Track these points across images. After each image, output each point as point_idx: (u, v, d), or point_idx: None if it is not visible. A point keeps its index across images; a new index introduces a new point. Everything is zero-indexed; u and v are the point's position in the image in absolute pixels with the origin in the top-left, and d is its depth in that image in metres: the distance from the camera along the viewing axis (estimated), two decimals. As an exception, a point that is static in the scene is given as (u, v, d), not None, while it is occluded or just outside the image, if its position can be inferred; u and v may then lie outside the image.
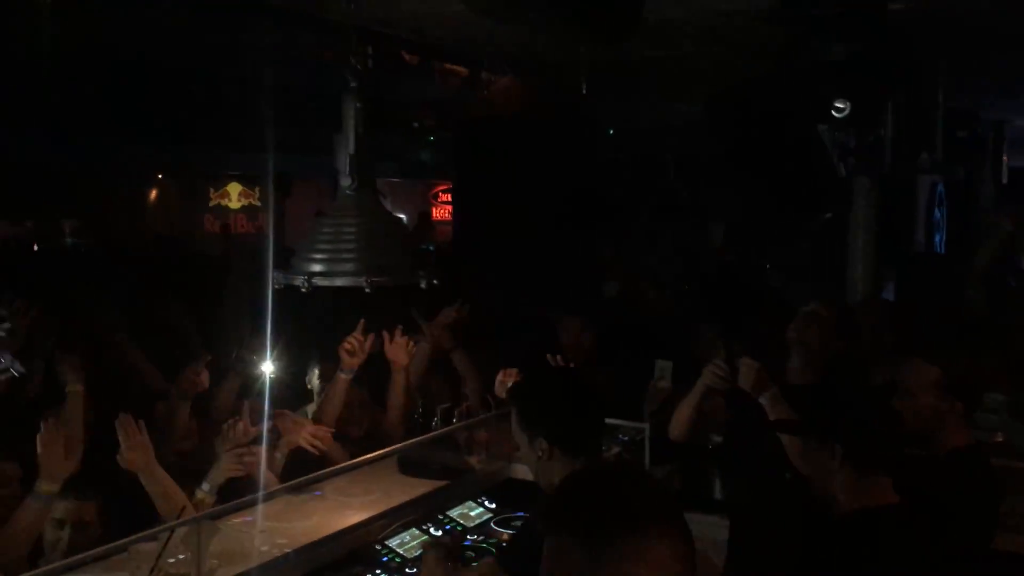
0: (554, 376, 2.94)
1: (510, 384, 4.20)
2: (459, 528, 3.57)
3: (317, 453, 3.85)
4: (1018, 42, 4.30)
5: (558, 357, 4.40)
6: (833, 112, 4.13)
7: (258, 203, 15.31)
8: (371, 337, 4.32)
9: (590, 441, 2.54)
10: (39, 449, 3.04)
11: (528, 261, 3.41)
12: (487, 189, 3.43)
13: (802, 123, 4.47)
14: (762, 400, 3.33)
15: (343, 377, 4.26)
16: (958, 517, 2.67)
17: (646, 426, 3.98)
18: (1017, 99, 6.21)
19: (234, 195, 15.26)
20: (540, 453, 2.49)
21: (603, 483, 1.61)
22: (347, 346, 4.23)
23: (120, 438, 3.19)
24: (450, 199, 15.37)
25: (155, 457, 3.27)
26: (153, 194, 14.44)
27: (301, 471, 3.95)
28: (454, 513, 3.65)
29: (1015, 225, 3.99)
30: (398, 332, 4.45)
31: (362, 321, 4.28)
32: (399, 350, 4.41)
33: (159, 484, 3.24)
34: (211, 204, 15.29)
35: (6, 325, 3.55)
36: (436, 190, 15.73)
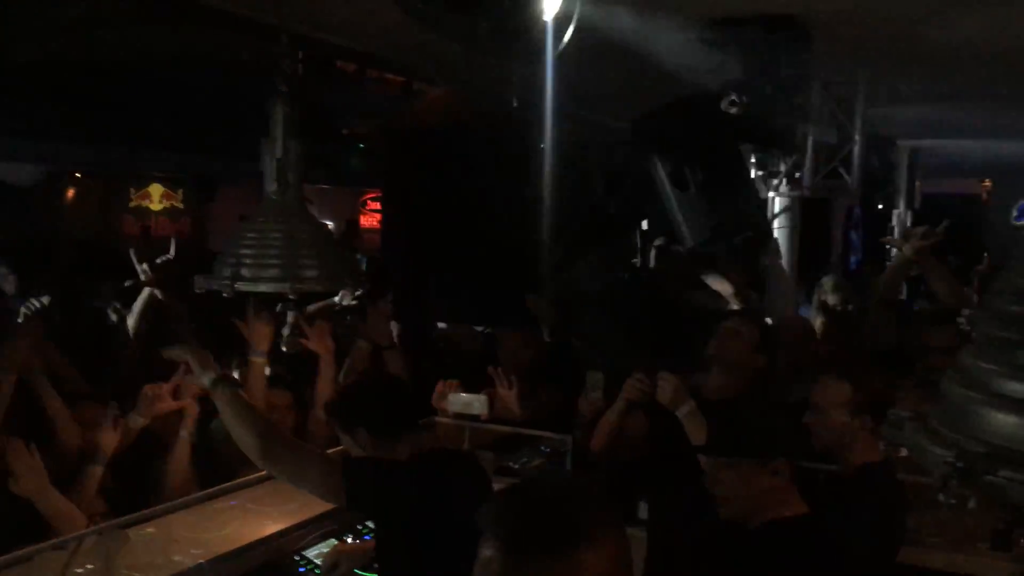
0: (361, 380, 3.16)
1: (448, 396, 4.24)
2: (377, 537, 3.55)
3: None
4: (929, 63, 4.45)
5: (499, 369, 4.42)
6: (725, 107, 4.22)
7: (181, 205, 14.99)
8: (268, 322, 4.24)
9: (403, 426, 2.81)
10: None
11: (461, 273, 3.41)
12: (417, 199, 3.42)
13: (726, 143, 4.58)
14: (679, 414, 3.40)
15: (255, 360, 4.12)
16: (866, 530, 2.76)
17: (569, 438, 4.01)
18: (930, 126, 6.46)
19: (156, 196, 14.91)
20: (364, 444, 2.75)
21: (544, 495, 1.61)
22: (243, 324, 4.10)
23: (12, 464, 3.08)
24: (379, 207, 15.31)
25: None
26: (71, 193, 14.02)
27: (215, 477, 3.89)
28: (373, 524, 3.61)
29: (916, 251, 4.09)
30: (319, 323, 4.39)
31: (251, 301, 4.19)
32: (321, 337, 4.34)
33: (55, 506, 3.14)
34: (131, 205, 14.91)
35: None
36: (365, 198, 15.61)
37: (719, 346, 3.74)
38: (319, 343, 4.32)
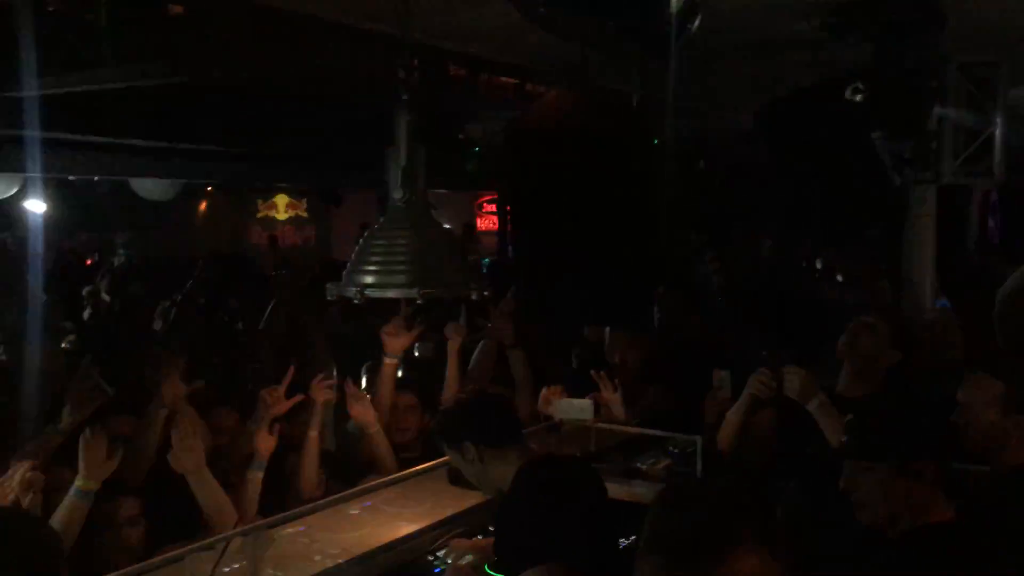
0: (459, 397, 3.14)
1: (553, 402, 4.25)
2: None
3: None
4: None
5: (602, 373, 4.40)
6: (850, 95, 4.06)
7: (305, 215, 15.50)
8: (408, 327, 4.37)
9: (508, 432, 2.85)
10: (81, 450, 3.11)
11: (581, 274, 3.40)
12: (538, 201, 3.42)
13: (855, 132, 4.41)
14: (810, 408, 3.31)
15: (388, 362, 4.30)
16: (1019, 534, 2.60)
17: (698, 438, 3.93)
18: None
19: (281, 206, 15.46)
20: (472, 458, 2.80)
21: (698, 501, 1.59)
22: (389, 329, 4.27)
23: (173, 438, 3.25)
24: (495, 209, 15.44)
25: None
26: (202, 206, 14.68)
27: (347, 477, 4.00)
28: (505, 525, 3.63)
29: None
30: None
31: (404, 303, 4.32)
32: (452, 331, 4.48)
33: (209, 489, 3.30)
34: (258, 215, 15.50)
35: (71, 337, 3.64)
36: (480, 200, 15.78)
37: (851, 342, 3.62)
38: (451, 332, 4.43)
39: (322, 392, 3.99)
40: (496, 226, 14.06)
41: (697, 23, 2.75)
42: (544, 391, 4.43)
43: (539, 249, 3.38)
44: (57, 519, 2.95)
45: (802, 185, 4.61)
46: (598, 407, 4.21)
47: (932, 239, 4.58)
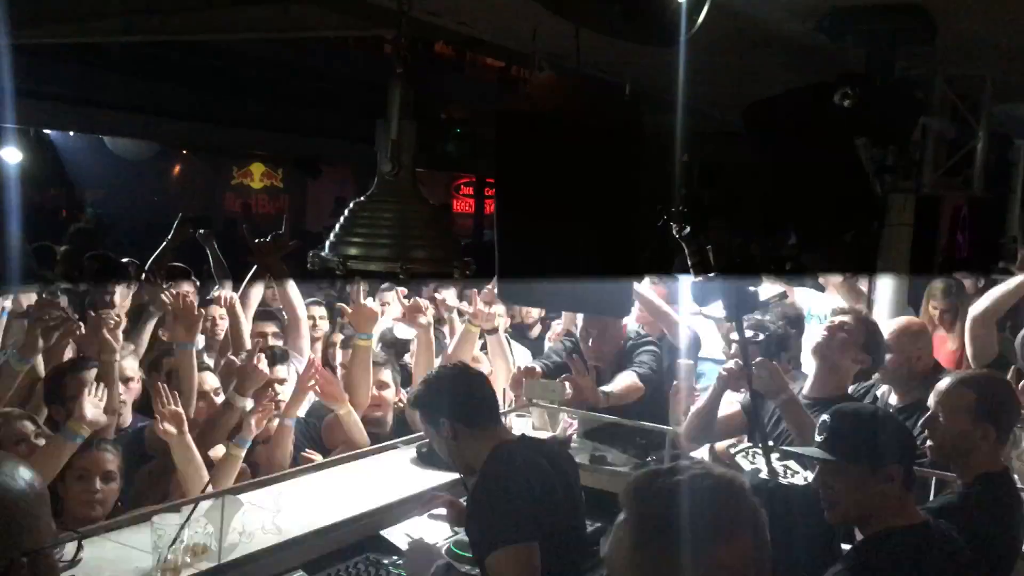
0: (440, 371, 3.12)
1: (524, 383, 4.25)
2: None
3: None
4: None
5: (575, 356, 4.41)
6: (839, 99, 4.10)
7: (280, 184, 15.37)
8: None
9: (486, 412, 2.88)
10: (83, 395, 3.12)
11: (564, 260, 3.39)
12: (525, 184, 3.41)
13: (839, 137, 4.45)
14: (776, 402, 3.34)
15: (360, 343, 4.30)
16: (983, 540, 2.65)
17: (668, 429, 3.97)
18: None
19: (257, 175, 15.32)
20: (448, 435, 2.81)
21: (685, 486, 1.60)
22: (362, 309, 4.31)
23: (155, 407, 3.24)
24: (471, 192, 15.41)
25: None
26: (176, 169, 14.51)
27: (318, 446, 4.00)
28: (470, 506, 3.64)
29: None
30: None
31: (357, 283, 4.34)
32: (417, 315, 4.50)
33: (188, 453, 3.29)
34: (233, 183, 15.36)
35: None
36: (458, 182, 15.74)
37: (824, 343, 3.65)
38: (416, 324, 4.42)
39: (303, 379, 3.95)
40: (472, 208, 14.04)
41: (704, 14, 2.76)
42: (515, 371, 4.44)
43: (523, 233, 3.36)
44: (38, 458, 2.90)
45: (785, 186, 4.62)
46: (568, 390, 4.21)
47: (908, 247, 4.63)
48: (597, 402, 4.24)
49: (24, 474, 1.57)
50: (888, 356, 3.84)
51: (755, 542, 1.50)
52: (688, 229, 6.22)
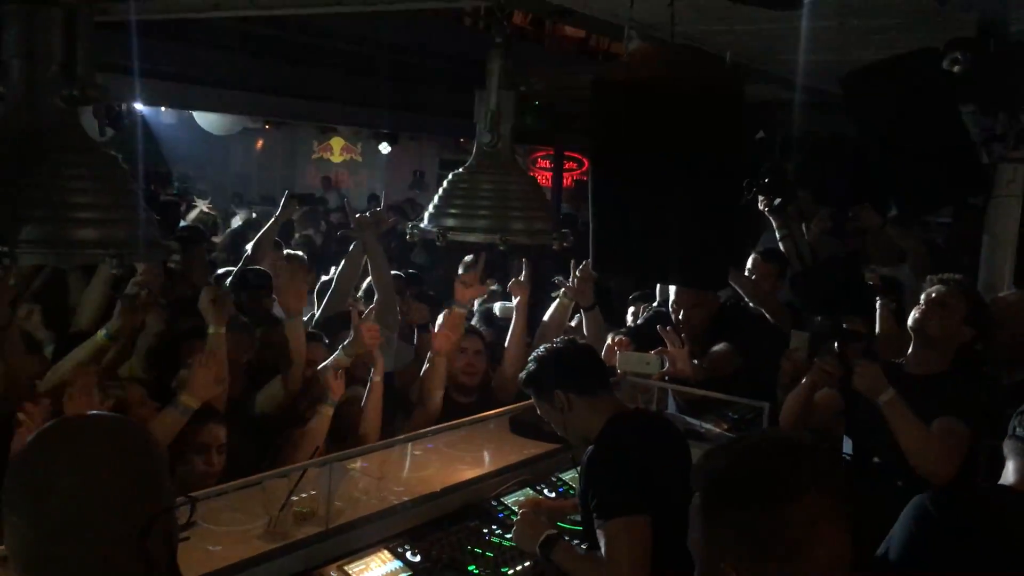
0: (548, 346, 3.06)
1: (619, 355, 4.22)
2: (572, 492, 3.58)
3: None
4: None
5: (668, 328, 4.35)
6: (948, 65, 3.94)
7: (359, 158, 15.53)
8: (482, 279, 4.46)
9: (596, 377, 2.88)
10: (194, 367, 3.20)
11: (660, 231, 3.34)
12: (621, 153, 3.36)
13: (944, 104, 4.29)
14: (879, 402, 3.21)
15: (457, 311, 4.32)
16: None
17: (766, 404, 3.89)
18: None
19: (336, 149, 15.51)
20: (562, 406, 2.81)
21: (763, 452, 1.62)
22: (464, 278, 4.30)
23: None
24: (548, 165, 15.35)
25: None
26: (259, 144, 14.76)
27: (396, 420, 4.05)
28: (566, 476, 3.65)
29: None
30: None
31: (482, 254, 4.34)
32: (515, 287, 4.54)
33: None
34: (313, 157, 15.57)
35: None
36: (535, 155, 15.69)
37: (921, 317, 3.50)
38: (518, 288, 4.44)
39: (369, 335, 3.97)
40: (549, 182, 13.99)
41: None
42: (609, 342, 4.41)
43: (618, 202, 3.32)
44: (154, 427, 2.99)
45: (884, 156, 4.48)
46: (664, 362, 4.17)
47: (1016, 219, 4.45)
48: (692, 374, 4.18)
49: (153, 438, 1.64)
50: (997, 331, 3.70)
51: (821, 497, 1.53)
52: (777, 201, 6.08)
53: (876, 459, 3.43)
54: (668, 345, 4.25)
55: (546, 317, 4.70)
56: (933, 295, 3.48)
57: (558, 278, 4.67)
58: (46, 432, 1.55)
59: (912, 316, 3.55)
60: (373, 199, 12.40)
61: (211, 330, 3.49)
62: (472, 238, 3.26)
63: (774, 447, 1.64)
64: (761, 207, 5.94)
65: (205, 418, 3.19)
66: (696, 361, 4.28)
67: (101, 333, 3.70)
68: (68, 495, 1.44)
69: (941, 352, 3.47)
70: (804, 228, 6.36)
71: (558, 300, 4.65)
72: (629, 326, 5.20)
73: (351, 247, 4.86)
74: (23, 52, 2.23)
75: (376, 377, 3.91)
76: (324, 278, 5.32)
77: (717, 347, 4.42)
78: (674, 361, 4.19)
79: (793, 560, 1.51)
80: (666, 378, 4.24)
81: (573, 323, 4.88)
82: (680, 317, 4.51)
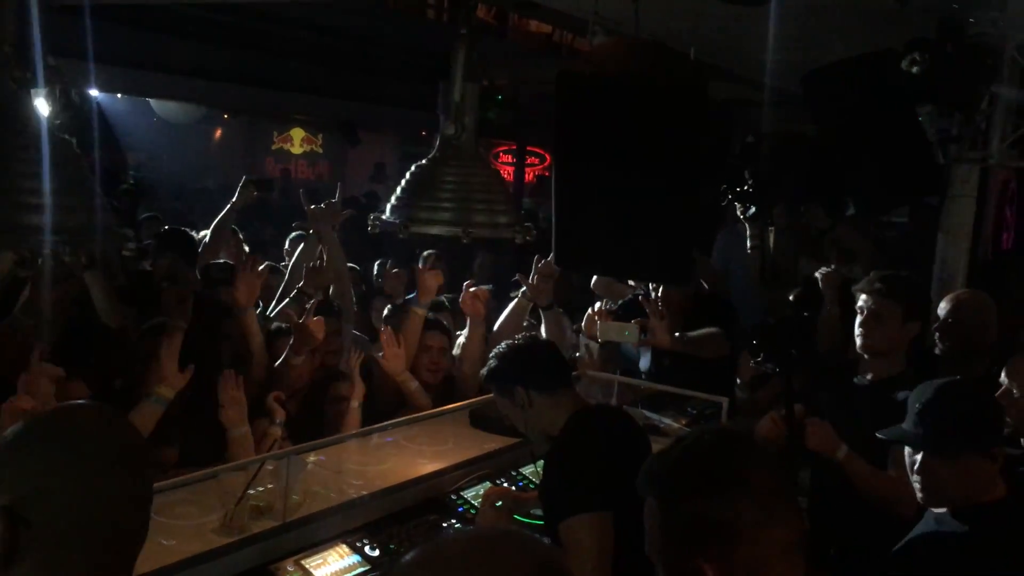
0: (509, 344, 3.02)
1: (599, 325, 4.21)
2: (531, 487, 3.57)
3: None
4: None
5: (651, 298, 4.32)
6: (907, 65, 3.98)
7: (320, 150, 15.40)
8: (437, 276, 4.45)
9: (557, 374, 2.86)
10: (162, 358, 3.23)
11: (624, 225, 3.34)
12: (586, 147, 3.35)
13: (901, 104, 4.34)
14: (836, 457, 3.17)
15: (416, 311, 4.32)
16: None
17: (724, 400, 3.92)
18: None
19: (297, 140, 15.36)
20: (523, 402, 2.79)
21: (692, 445, 1.69)
22: (428, 279, 4.35)
23: (220, 395, 3.29)
24: (511, 160, 15.34)
25: None
26: (218, 133, 14.56)
27: (373, 415, 4.01)
28: (526, 471, 3.64)
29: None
30: (475, 286, 4.48)
31: (431, 254, 4.33)
32: (477, 303, 4.42)
33: (242, 436, 3.33)
34: (273, 148, 15.40)
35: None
36: (497, 150, 15.66)
37: (864, 338, 3.37)
38: (476, 305, 4.40)
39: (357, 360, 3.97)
40: (512, 177, 13.98)
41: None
42: (590, 311, 4.40)
43: (583, 196, 3.31)
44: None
45: (841, 155, 4.53)
46: (643, 332, 4.17)
47: (970, 220, 4.53)
48: (669, 344, 4.17)
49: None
50: (949, 330, 3.75)
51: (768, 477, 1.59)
52: (753, 210, 6.05)
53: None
54: (649, 315, 4.24)
55: (502, 318, 4.67)
56: (865, 310, 3.38)
57: (518, 276, 4.64)
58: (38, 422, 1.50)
59: (856, 338, 3.42)
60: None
61: (176, 324, 3.45)
62: (434, 230, 3.23)
63: (715, 438, 1.69)
64: (738, 213, 5.93)
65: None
66: (677, 334, 4.28)
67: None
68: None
69: (892, 358, 3.40)
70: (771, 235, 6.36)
71: (515, 301, 4.62)
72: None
73: (305, 239, 4.81)
74: (-27, 32, 2.16)
75: (355, 402, 3.88)
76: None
77: (708, 329, 4.41)
78: (653, 331, 4.18)
79: (759, 542, 1.53)
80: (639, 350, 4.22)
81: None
82: (660, 294, 4.47)
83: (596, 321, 4.28)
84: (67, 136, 2.40)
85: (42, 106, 2.40)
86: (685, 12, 4.22)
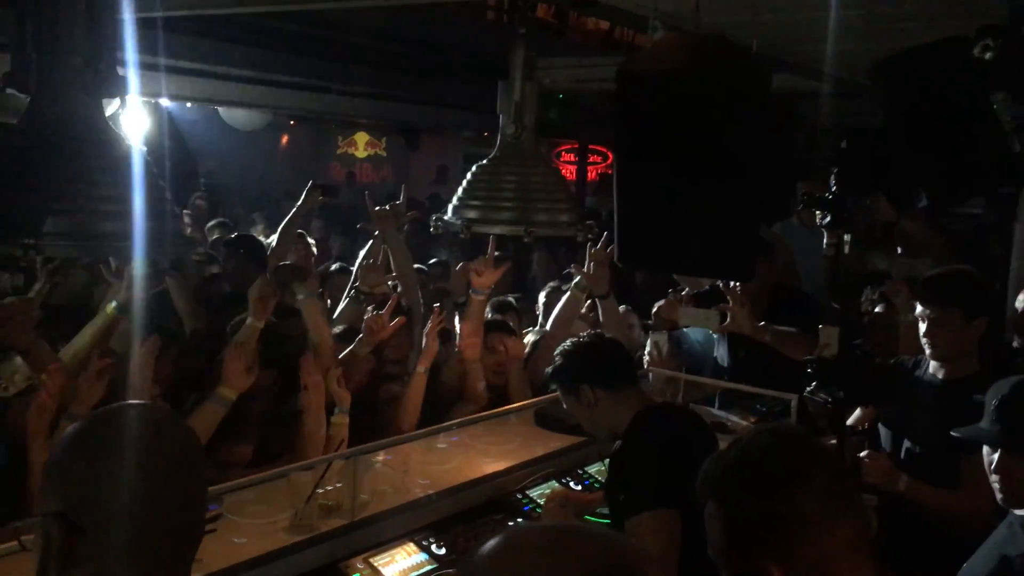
0: (573, 341, 3.01)
1: (680, 310, 4.18)
2: (597, 486, 3.55)
3: None
4: None
5: (732, 285, 4.23)
6: (979, 52, 3.85)
7: (383, 153, 15.56)
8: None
9: (623, 371, 2.84)
10: (226, 359, 3.26)
11: (685, 221, 3.30)
12: (646, 144, 3.33)
13: (974, 92, 4.22)
14: (898, 489, 3.11)
15: (475, 298, 4.29)
16: None
17: (793, 397, 3.84)
18: None
19: (361, 144, 15.54)
20: (588, 401, 2.77)
21: (764, 442, 1.66)
22: (476, 267, 4.28)
23: (302, 377, 3.40)
24: (573, 159, 15.30)
25: None
26: (284, 139, 14.81)
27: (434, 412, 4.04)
28: (592, 470, 3.63)
29: None
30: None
31: (492, 240, 4.32)
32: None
33: (317, 423, 3.38)
34: (338, 152, 15.61)
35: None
36: (559, 149, 15.64)
37: (932, 347, 3.27)
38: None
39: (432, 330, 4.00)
40: (574, 176, 13.95)
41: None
42: (671, 296, 4.35)
43: (643, 193, 3.29)
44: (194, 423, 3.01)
45: (913, 147, 4.41)
46: (723, 318, 4.12)
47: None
48: (752, 331, 4.11)
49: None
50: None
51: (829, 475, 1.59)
52: (830, 219, 5.88)
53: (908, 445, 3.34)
54: (730, 302, 4.17)
55: (555, 312, 4.64)
56: (925, 319, 3.28)
57: (572, 266, 4.60)
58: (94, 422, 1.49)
59: (924, 347, 3.34)
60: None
61: (249, 321, 3.50)
62: (496, 230, 3.25)
63: (771, 436, 1.67)
64: (817, 222, 5.78)
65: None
66: (762, 324, 4.17)
67: (111, 306, 3.75)
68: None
69: (964, 358, 3.28)
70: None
71: (569, 292, 4.58)
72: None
73: (370, 241, 4.86)
74: (47, 45, 2.23)
75: (420, 368, 3.92)
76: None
77: (791, 329, 4.28)
78: (735, 316, 4.11)
79: (821, 540, 1.52)
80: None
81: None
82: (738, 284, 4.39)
83: (678, 305, 4.22)
84: (140, 145, 2.46)
85: (114, 116, 2.48)
86: (746, 4, 4.16)
